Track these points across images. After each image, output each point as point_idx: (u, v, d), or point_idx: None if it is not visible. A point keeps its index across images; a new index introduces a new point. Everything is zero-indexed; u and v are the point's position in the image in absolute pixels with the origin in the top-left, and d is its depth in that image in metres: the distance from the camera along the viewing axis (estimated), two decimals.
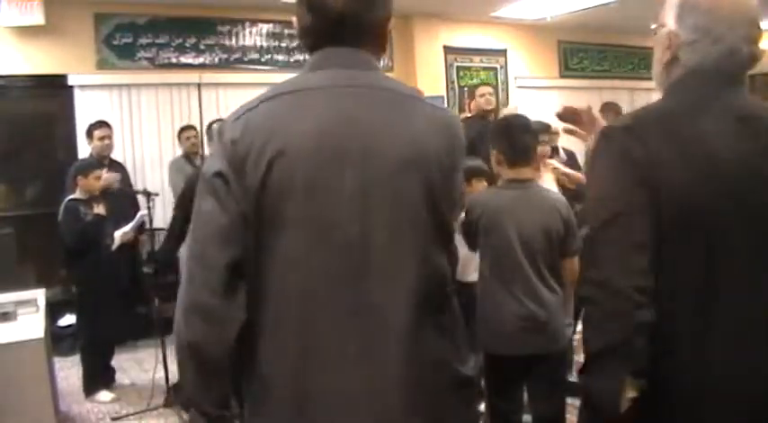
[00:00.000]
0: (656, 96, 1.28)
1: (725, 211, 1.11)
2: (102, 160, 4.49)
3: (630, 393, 1.10)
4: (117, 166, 4.70)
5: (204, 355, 1.10)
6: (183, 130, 5.36)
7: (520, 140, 2.42)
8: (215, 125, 3.97)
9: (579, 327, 3.94)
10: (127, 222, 4.13)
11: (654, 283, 1.10)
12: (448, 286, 1.21)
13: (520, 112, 4.98)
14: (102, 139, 4.53)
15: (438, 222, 1.16)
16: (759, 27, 1.19)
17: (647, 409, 1.12)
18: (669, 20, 1.20)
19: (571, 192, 3.17)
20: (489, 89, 5.33)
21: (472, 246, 2.49)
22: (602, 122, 1.54)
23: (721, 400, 1.12)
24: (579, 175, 3.28)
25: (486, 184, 3.15)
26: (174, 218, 3.65)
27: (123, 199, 4.45)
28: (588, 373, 1.15)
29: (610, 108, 5.72)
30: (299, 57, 6.07)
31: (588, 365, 1.16)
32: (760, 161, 1.13)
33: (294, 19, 1.21)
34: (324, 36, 1.16)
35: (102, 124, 4.61)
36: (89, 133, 4.57)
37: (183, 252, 1.28)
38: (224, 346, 1.09)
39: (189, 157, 5.24)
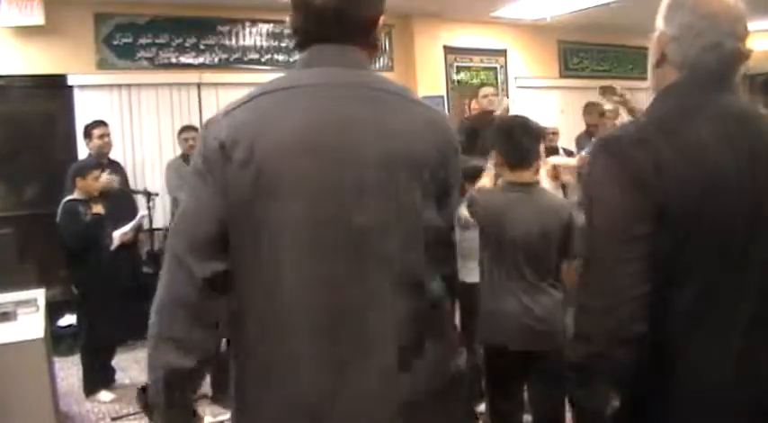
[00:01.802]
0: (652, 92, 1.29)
1: (723, 217, 1.10)
2: (101, 159, 4.50)
3: (615, 401, 1.11)
4: (115, 166, 4.71)
5: (175, 381, 1.11)
6: (182, 130, 5.36)
7: (520, 143, 2.42)
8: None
9: None
10: (125, 222, 4.13)
11: (648, 296, 1.09)
12: (450, 284, 1.21)
13: (512, 107, 4.99)
14: (100, 137, 4.54)
15: (431, 221, 1.14)
16: (745, 25, 1.19)
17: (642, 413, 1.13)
18: (659, 22, 1.22)
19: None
20: (492, 90, 5.31)
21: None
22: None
23: (720, 411, 1.12)
24: (571, 163, 3.29)
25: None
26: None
27: (122, 199, 4.45)
28: (573, 381, 1.16)
29: (593, 109, 5.74)
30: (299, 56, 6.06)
31: (573, 373, 1.17)
32: (752, 163, 1.13)
33: (288, 18, 1.21)
34: (310, 33, 1.16)
35: (99, 123, 4.63)
36: (87, 133, 4.59)
37: None
38: (198, 369, 1.11)
39: (186, 157, 5.24)
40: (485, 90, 5.32)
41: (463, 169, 3.38)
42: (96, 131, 4.55)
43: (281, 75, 1.20)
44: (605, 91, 5.63)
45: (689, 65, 1.17)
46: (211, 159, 1.08)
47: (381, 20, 1.20)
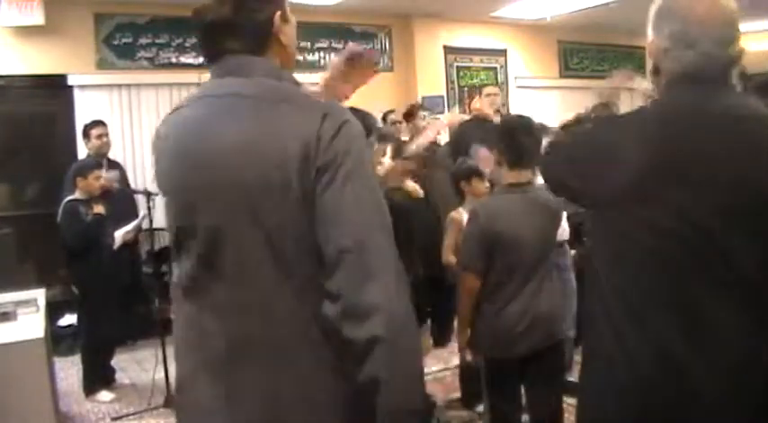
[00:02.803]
0: (655, 97, 1.30)
1: (703, 213, 1.10)
2: (100, 159, 4.50)
3: None
4: (114, 166, 4.71)
5: None
6: None
7: (521, 142, 2.42)
8: None
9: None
10: (126, 222, 4.13)
11: None
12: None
13: (512, 107, 4.95)
14: (99, 137, 4.54)
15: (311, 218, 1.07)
16: (736, 28, 1.18)
17: None
18: (649, 30, 1.22)
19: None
20: (495, 90, 5.21)
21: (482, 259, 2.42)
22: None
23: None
24: None
25: (486, 183, 3.15)
26: None
27: (122, 199, 4.45)
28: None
29: (602, 110, 5.71)
30: (299, 57, 6.07)
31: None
32: (747, 162, 1.12)
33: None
34: (204, 44, 1.20)
35: (98, 123, 4.63)
36: (86, 133, 4.59)
37: None
38: None
39: None
40: (488, 89, 5.25)
41: (458, 169, 3.40)
42: (95, 131, 4.55)
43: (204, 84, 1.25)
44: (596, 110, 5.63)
45: (682, 72, 1.18)
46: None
47: (277, 18, 1.16)
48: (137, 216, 4.54)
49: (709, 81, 1.17)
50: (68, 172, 4.08)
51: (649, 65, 1.24)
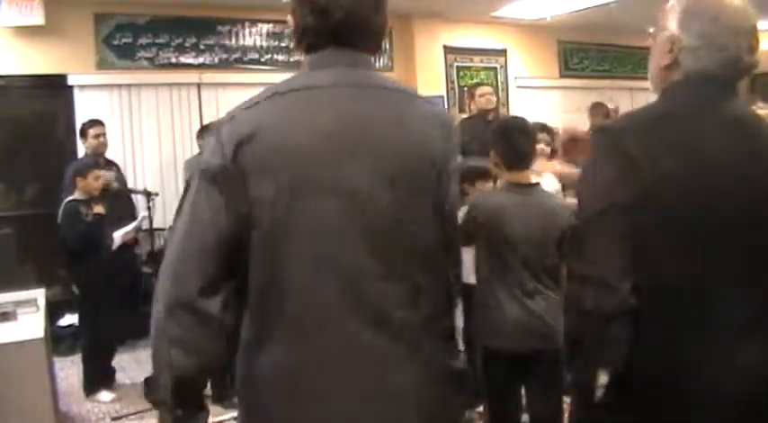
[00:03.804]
0: (655, 97, 1.30)
1: (714, 211, 1.12)
2: (98, 159, 4.49)
3: (603, 380, 1.14)
4: (111, 165, 4.70)
5: (186, 383, 1.09)
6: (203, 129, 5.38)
7: (517, 144, 2.42)
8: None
9: None
10: (125, 222, 4.13)
11: (632, 280, 1.11)
12: (453, 286, 1.23)
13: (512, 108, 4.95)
14: (96, 137, 4.53)
15: (441, 222, 1.17)
16: (757, 37, 1.20)
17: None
18: (672, 24, 1.21)
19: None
20: (489, 89, 5.33)
21: (467, 242, 2.48)
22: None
23: (709, 403, 1.13)
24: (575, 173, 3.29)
25: (492, 184, 3.14)
26: None
27: (120, 199, 4.45)
28: (567, 361, 1.22)
29: (599, 109, 5.73)
30: (300, 57, 6.06)
31: (567, 353, 1.23)
32: (750, 163, 1.14)
33: (289, 18, 1.20)
34: (326, 37, 1.16)
35: (95, 123, 4.62)
36: (83, 132, 4.58)
37: None
38: (210, 369, 1.11)
39: None
40: (482, 89, 5.33)
41: (464, 170, 3.39)
42: (92, 131, 4.53)
43: (294, 75, 1.20)
44: (596, 109, 5.66)
45: (709, 72, 1.18)
46: (229, 156, 1.07)
47: (391, 21, 1.23)
48: (134, 216, 4.54)
49: (729, 83, 1.19)
50: (66, 171, 4.08)
51: (663, 58, 1.22)
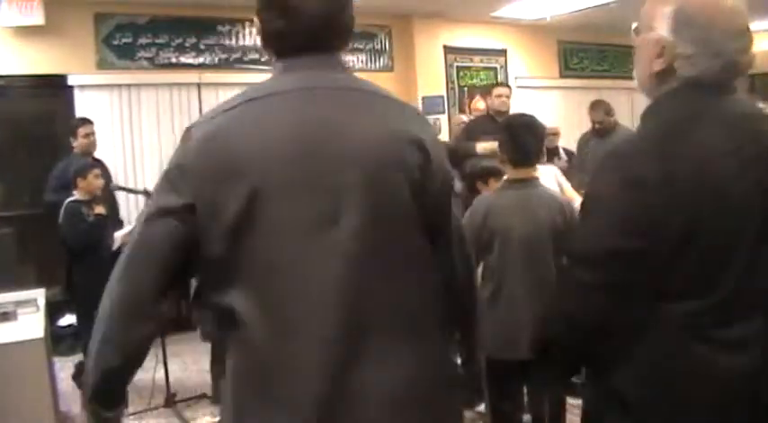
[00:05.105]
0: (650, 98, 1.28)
1: (729, 224, 1.09)
2: (87, 158, 4.46)
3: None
4: (98, 164, 4.66)
5: (113, 379, 1.15)
6: None
7: (524, 142, 2.42)
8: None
9: None
10: (111, 221, 4.12)
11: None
12: (452, 282, 1.23)
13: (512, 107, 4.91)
14: (86, 136, 4.50)
15: (431, 222, 1.16)
16: (750, 36, 1.18)
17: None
18: (661, 28, 1.18)
19: None
20: (506, 90, 5.09)
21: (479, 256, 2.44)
22: None
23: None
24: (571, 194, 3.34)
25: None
26: None
27: (108, 199, 4.43)
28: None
29: (599, 106, 5.71)
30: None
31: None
32: (757, 166, 1.11)
33: (255, 20, 1.19)
34: (296, 40, 1.14)
35: (84, 121, 4.60)
36: (73, 131, 4.53)
37: None
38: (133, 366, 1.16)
39: None
40: (498, 90, 5.10)
41: (474, 169, 3.39)
42: (82, 130, 4.50)
43: (263, 80, 1.18)
44: (597, 106, 5.63)
45: (705, 78, 1.15)
46: (199, 160, 1.07)
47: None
48: (118, 214, 4.52)
49: (727, 85, 1.17)
50: (52, 173, 4.07)
51: (654, 64, 1.20)
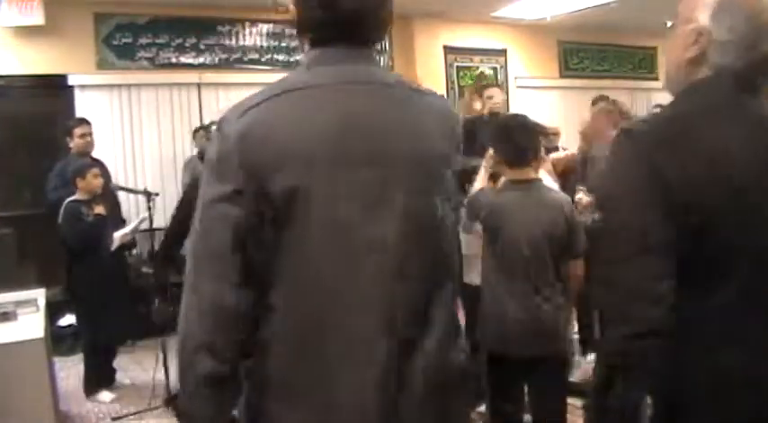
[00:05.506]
0: (655, 96, 1.27)
1: (742, 215, 1.09)
2: (84, 158, 4.45)
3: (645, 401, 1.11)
4: (97, 164, 4.66)
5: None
6: (199, 129, 5.37)
7: (518, 142, 2.42)
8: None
9: (576, 328, 3.94)
10: (114, 221, 4.12)
11: (671, 289, 1.07)
12: (456, 282, 1.24)
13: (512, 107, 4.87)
14: (82, 136, 4.46)
15: (447, 217, 1.18)
16: None
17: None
18: (702, 16, 1.17)
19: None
20: (498, 90, 5.04)
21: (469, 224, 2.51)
22: None
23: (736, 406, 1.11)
24: (570, 154, 3.33)
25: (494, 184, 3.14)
26: (174, 217, 3.67)
27: (106, 197, 4.42)
28: (603, 391, 1.12)
29: (602, 102, 5.68)
30: (300, 56, 6.06)
31: (603, 382, 1.13)
32: None
33: (291, 7, 1.17)
34: (333, 31, 1.13)
35: (81, 122, 4.57)
36: (69, 132, 4.50)
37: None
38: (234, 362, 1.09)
39: (203, 155, 5.23)
40: (490, 91, 5.13)
41: (466, 169, 3.39)
42: (78, 130, 4.47)
43: (293, 73, 1.17)
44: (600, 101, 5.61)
45: (732, 73, 1.15)
46: (230, 160, 1.05)
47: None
48: (120, 214, 4.51)
49: (753, 83, 1.18)
50: (52, 172, 4.06)
51: (687, 51, 1.18)
